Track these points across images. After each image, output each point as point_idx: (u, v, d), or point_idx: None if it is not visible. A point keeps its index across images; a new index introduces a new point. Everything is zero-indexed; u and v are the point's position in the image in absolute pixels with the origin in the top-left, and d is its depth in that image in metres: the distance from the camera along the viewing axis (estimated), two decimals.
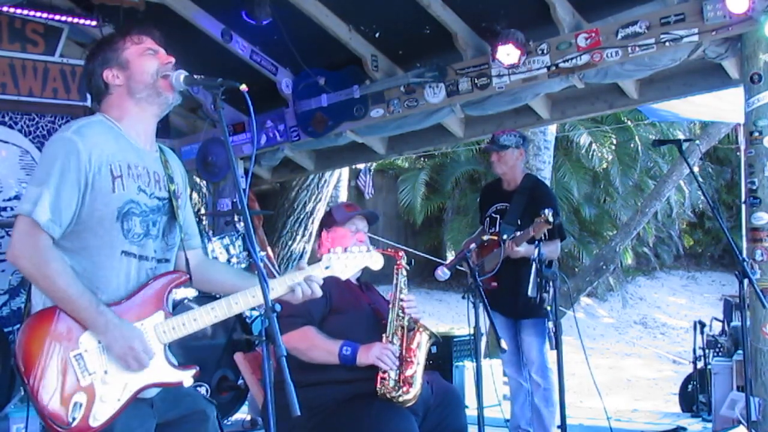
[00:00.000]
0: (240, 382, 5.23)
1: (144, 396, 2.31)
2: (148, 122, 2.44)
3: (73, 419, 2.16)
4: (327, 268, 2.54)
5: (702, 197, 15.30)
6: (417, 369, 3.40)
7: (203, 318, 2.34)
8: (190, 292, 4.93)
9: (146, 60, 2.39)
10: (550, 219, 4.38)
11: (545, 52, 5.49)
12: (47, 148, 2.29)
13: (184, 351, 3.90)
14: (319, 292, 2.48)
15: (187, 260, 2.50)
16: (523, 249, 4.57)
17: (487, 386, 5.23)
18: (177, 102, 2.44)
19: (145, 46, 2.41)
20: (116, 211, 2.28)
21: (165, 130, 6.84)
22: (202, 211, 8.48)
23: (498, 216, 4.94)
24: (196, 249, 2.60)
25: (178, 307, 4.54)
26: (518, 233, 4.62)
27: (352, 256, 2.58)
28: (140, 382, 2.27)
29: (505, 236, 4.66)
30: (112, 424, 2.22)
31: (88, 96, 6.60)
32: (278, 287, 2.44)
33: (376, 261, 2.66)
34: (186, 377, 2.35)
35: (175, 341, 2.36)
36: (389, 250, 3.71)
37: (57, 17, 6.23)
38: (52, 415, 2.16)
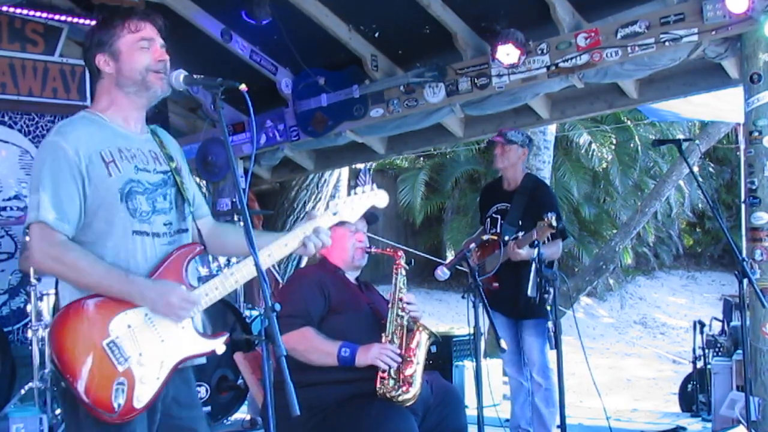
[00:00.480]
0: (240, 381, 5.23)
1: (185, 366, 2.37)
2: (137, 111, 2.44)
3: (119, 405, 2.20)
4: (335, 214, 2.51)
5: (702, 197, 15.30)
6: (417, 369, 3.40)
7: (225, 284, 2.36)
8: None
9: (137, 55, 2.37)
10: (554, 223, 4.37)
11: (545, 51, 5.49)
12: (36, 157, 2.33)
13: None
14: (328, 242, 2.46)
15: (198, 230, 2.51)
16: (524, 252, 4.55)
17: (486, 386, 5.24)
18: (167, 93, 2.43)
19: (140, 35, 2.38)
20: (118, 193, 2.31)
21: (164, 129, 6.84)
22: None
23: (499, 216, 4.93)
24: (206, 217, 2.62)
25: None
26: (520, 234, 4.61)
27: (357, 198, 2.55)
28: (175, 357, 2.31)
29: (506, 237, 4.66)
30: (158, 398, 2.28)
31: (88, 96, 6.68)
32: (291, 242, 2.43)
33: (381, 198, 2.59)
34: (218, 345, 2.37)
35: None
36: (388, 249, 3.71)
37: (57, 17, 6.24)
38: (97, 404, 2.19)
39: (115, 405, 2.19)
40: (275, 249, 2.41)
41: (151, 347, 2.27)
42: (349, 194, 2.56)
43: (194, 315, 2.33)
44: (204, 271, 5.30)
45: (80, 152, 2.27)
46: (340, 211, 2.52)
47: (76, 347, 2.21)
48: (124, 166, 2.33)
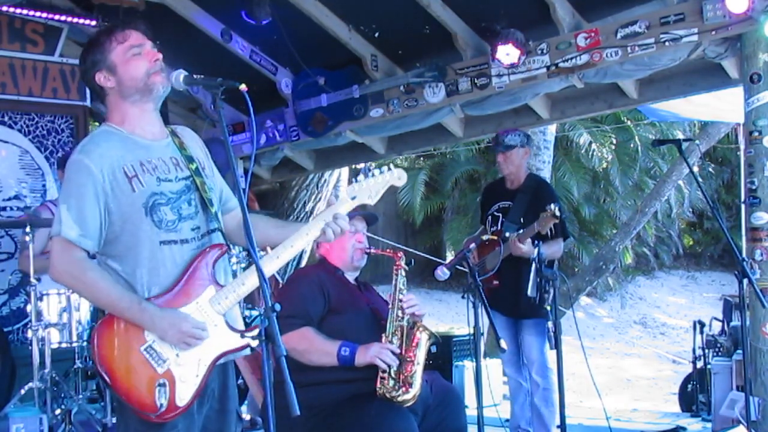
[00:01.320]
0: (240, 382, 5.23)
1: (223, 362, 2.44)
2: (150, 115, 2.49)
3: (161, 405, 2.29)
4: (353, 198, 2.51)
5: (702, 197, 15.30)
6: (417, 369, 3.40)
7: (250, 280, 2.40)
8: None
9: (133, 63, 2.42)
10: (557, 213, 4.38)
11: (545, 51, 5.49)
12: (65, 175, 2.42)
13: None
14: (346, 227, 2.48)
15: (221, 230, 2.54)
16: (526, 247, 4.55)
17: (485, 386, 5.23)
18: (169, 89, 2.47)
19: (129, 44, 2.43)
20: (142, 208, 2.36)
21: None
22: None
23: (500, 214, 4.93)
24: (234, 210, 2.67)
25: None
26: (521, 232, 4.61)
27: (374, 180, 2.53)
28: (212, 354, 2.37)
29: (507, 234, 4.66)
30: (201, 394, 2.36)
31: (88, 95, 6.68)
32: (313, 230, 2.45)
33: (399, 177, 2.55)
34: (252, 340, 2.39)
35: None
36: (388, 250, 3.71)
37: (57, 17, 6.24)
38: (142, 405, 2.30)
39: (158, 405, 2.29)
40: (297, 239, 2.45)
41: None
42: (366, 177, 2.53)
43: (207, 336, 2.37)
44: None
45: (104, 169, 2.34)
46: (359, 196, 2.52)
47: (117, 355, 2.31)
48: (146, 180, 2.38)
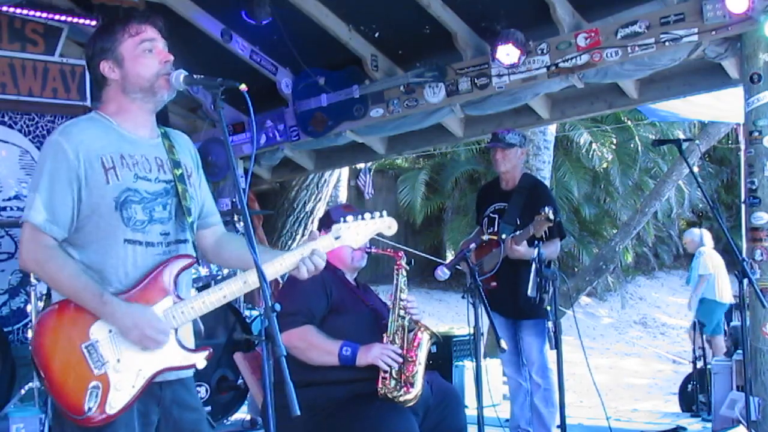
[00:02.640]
0: (240, 382, 5.23)
1: (162, 379, 2.34)
2: (146, 115, 2.43)
3: (89, 408, 2.20)
4: (337, 238, 2.43)
5: (702, 197, 15.29)
6: (418, 369, 3.40)
7: (212, 299, 2.33)
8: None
9: (142, 61, 2.35)
10: (551, 216, 4.38)
11: (545, 51, 5.49)
12: (40, 153, 2.34)
13: None
14: (321, 266, 2.38)
15: (193, 242, 2.47)
16: (523, 249, 4.56)
17: (485, 386, 5.23)
18: (172, 97, 2.42)
19: (141, 38, 2.36)
20: (113, 201, 2.29)
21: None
22: None
23: (496, 216, 4.93)
24: (214, 226, 2.60)
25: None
26: (518, 232, 4.62)
27: (363, 224, 2.46)
28: (153, 367, 2.29)
29: (504, 235, 4.66)
30: (130, 409, 2.26)
31: (88, 95, 6.67)
32: (286, 261, 2.36)
33: (389, 226, 2.49)
34: (199, 360, 2.36)
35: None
36: (389, 250, 3.71)
37: (57, 17, 6.23)
38: (68, 405, 2.21)
39: (86, 408, 2.20)
40: (270, 267, 2.34)
41: (130, 355, 2.27)
42: (355, 219, 2.47)
43: (167, 341, 2.28)
44: (204, 271, 5.30)
45: (80, 155, 2.27)
46: (344, 236, 2.44)
47: (55, 347, 2.23)
48: (123, 174, 2.31)
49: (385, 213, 2.51)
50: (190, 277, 2.54)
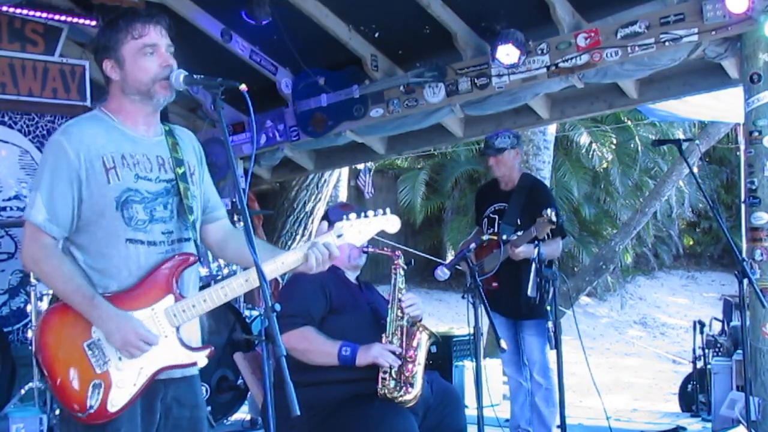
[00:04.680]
0: (240, 382, 5.23)
1: (167, 376, 2.36)
2: (146, 114, 2.42)
3: (91, 406, 2.22)
4: (339, 236, 2.41)
5: (702, 197, 15.30)
6: (418, 369, 3.40)
7: (213, 297, 2.33)
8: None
9: (142, 63, 2.34)
10: (553, 219, 4.37)
11: (545, 51, 5.49)
12: (43, 152, 2.36)
13: None
14: (336, 253, 2.38)
15: (195, 240, 2.47)
16: (524, 249, 4.55)
17: (485, 386, 5.23)
18: (171, 99, 2.41)
19: (143, 42, 2.34)
20: (114, 201, 2.30)
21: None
22: None
23: (496, 216, 4.93)
24: (219, 221, 2.61)
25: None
26: (518, 233, 4.61)
27: (366, 221, 2.44)
28: (155, 366, 2.30)
29: (504, 236, 4.66)
30: (133, 405, 2.27)
31: (88, 95, 6.67)
32: (290, 257, 2.35)
33: (392, 223, 2.47)
34: (200, 358, 2.38)
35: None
36: (386, 249, 3.71)
37: (56, 17, 6.23)
38: (71, 403, 2.23)
39: (88, 406, 2.21)
40: (269, 266, 2.33)
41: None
42: (358, 217, 2.45)
43: (148, 350, 2.28)
44: (204, 271, 5.30)
45: (81, 155, 2.27)
46: (346, 234, 2.42)
47: (58, 345, 2.25)
48: (124, 174, 2.32)
49: (388, 210, 2.50)
50: (197, 275, 2.55)
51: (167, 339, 2.32)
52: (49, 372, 2.24)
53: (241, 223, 2.20)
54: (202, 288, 2.47)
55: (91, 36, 6.38)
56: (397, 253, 3.63)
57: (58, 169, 2.27)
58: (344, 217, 2.44)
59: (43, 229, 2.26)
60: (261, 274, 2.15)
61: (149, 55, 2.35)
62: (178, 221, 2.42)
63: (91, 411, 2.21)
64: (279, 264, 2.36)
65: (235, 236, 2.62)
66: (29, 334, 4.90)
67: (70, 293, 2.25)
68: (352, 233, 2.43)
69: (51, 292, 4.76)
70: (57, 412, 4.66)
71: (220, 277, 5.33)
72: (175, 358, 2.34)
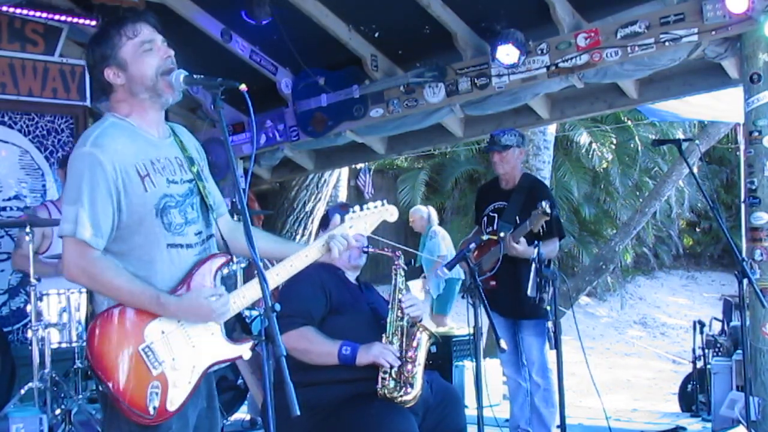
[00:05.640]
0: (240, 382, 5.23)
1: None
2: (156, 114, 2.45)
3: (154, 408, 2.27)
4: (351, 227, 2.63)
5: (702, 197, 15.30)
6: (417, 369, 3.40)
7: (251, 293, 2.43)
8: None
9: (144, 60, 2.36)
10: (548, 210, 4.37)
11: (545, 51, 5.49)
12: (71, 166, 2.33)
13: None
14: (354, 243, 2.61)
15: (220, 232, 2.56)
16: (521, 247, 4.55)
17: (485, 386, 5.23)
18: (178, 99, 2.44)
19: (141, 40, 2.36)
20: (154, 209, 2.33)
21: None
22: None
23: (496, 215, 4.93)
24: (224, 216, 2.66)
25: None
26: (514, 230, 4.61)
27: (369, 213, 2.70)
28: (206, 362, 2.37)
29: (502, 233, 4.65)
30: (190, 400, 2.35)
31: (88, 95, 6.68)
32: (312, 251, 2.56)
33: (391, 213, 2.74)
34: (245, 351, 2.44)
35: None
36: (386, 249, 3.71)
37: (57, 17, 6.24)
38: (134, 407, 2.26)
39: (150, 408, 2.26)
40: (296, 259, 2.53)
41: (184, 352, 2.34)
42: (361, 208, 2.69)
43: (228, 309, 2.38)
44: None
45: (117, 166, 2.28)
46: (356, 225, 2.66)
47: (114, 352, 2.27)
48: (157, 180, 2.35)
49: (386, 202, 2.75)
50: (222, 274, 2.58)
51: (214, 336, 2.38)
52: (109, 379, 2.26)
53: (241, 223, 2.22)
54: None
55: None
56: (397, 253, 3.63)
57: (95, 182, 2.26)
58: (350, 210, 2.67)
59: (92, 245, 2.27)
60: (261, 274, 2.16)
61: (148, 51, 2.37)
62: (203, 220, 2.47)
63: (154, 413, 2.27)
64: (304, 258, 2.55)
65: (239, 229, 2.67)
66: (29, 334, 4.90)
67: (137, 297, 2.28)
68: (361, 224, 2.68)
69: (51, 292, 4.82)
70: (57, 412, 4.67)
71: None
72: (223, 354, 2.41)
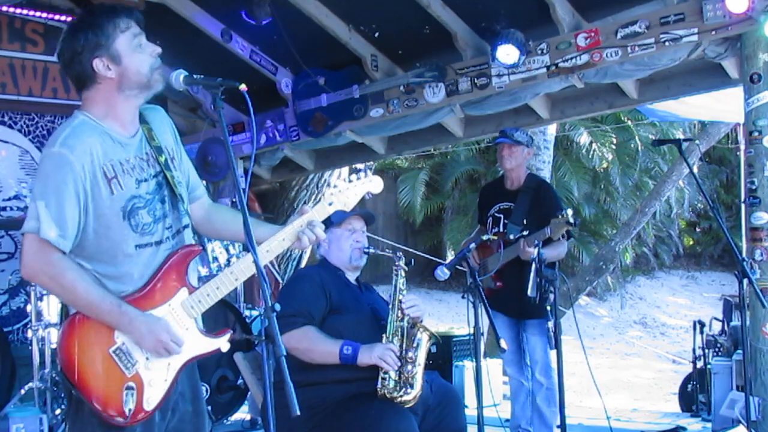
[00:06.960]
0: (240, 382, 5.23)
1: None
2: (133, 110, 2.38)
3: (129, 410, 2.24)
4: (330, 204, 2.54)
5: (702, 197, 15.31)
6: (417, 369, 3.40)
7: (225, 283, 2.38)
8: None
9: (138, 55, 2.31)
10: (571, 220, 4.33)
11: (545, 51, 5.49)
12: (41, 164, 2.28)
13: None
14: (322, 235, 2.48)
15: (191, 226, 2.50)
16: (528, 250, 4.52)
17: (485, 386, 5.23)
18: (161, 88, 2.39)
19: (131, 32, 2.31)
20: (121, 212, 2.28)
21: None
22: None
23: (502, 215, 4.91)
24: (200, 199, 2.61)
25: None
26: (524, 233, 4.57)
27: (352, 186, 2.58)
28: (182, 359, 2.35)
29: (512, 235, 4.64)
30: (168, 398, 2.32)
31: None
32: (287, 236, 2.43)
33: (376, 184, 2.61)
34: (222, 343, 2.41)
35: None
36: (387, 250, 3.71)
37: (57, 17, 6.24)
38: (109, 410, 2.23)
39: (126, 410, 2.23)
40: (274, 244, 2.43)
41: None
42: (346, 182, 2.58)
43: (179, 352, 2.32)
44: (204, 271, 5.30)
45: (85, 167, 2.22)
46: (335, 201, 2.55)
47: (84, 356, 2.23)
48: (125, 182, 2.29)
49: (369, 172, 2.62)
50: (196, 263, 2.56)
51: (188, 331, 2.35)
52: (82, 386, 2.22)
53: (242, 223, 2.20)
54: None
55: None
56: (398, 254, 3.63)
57: (63, 182, 2.20)
58: (333, 185, 2.55)
59: (56, 245, 2.21)
60: (261, 275, 2.15)
61: (139, 47, 2.32)
62: (173, 212, 2.41)
63: (130, 414, 2.24)
64: (280, 241, 2.43)
65: (219, 210, 2.66)
66: (29, 334, 4.91)
67: (95, 304, 2.23)
68: (341, 199, 2.56)
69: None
70: (57, 412, 4.68)
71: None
72: (199, 348, 2.38)
